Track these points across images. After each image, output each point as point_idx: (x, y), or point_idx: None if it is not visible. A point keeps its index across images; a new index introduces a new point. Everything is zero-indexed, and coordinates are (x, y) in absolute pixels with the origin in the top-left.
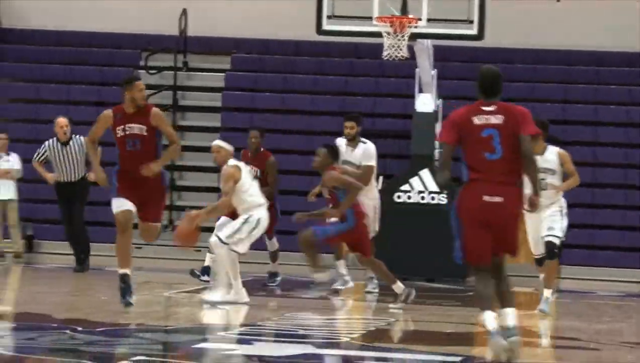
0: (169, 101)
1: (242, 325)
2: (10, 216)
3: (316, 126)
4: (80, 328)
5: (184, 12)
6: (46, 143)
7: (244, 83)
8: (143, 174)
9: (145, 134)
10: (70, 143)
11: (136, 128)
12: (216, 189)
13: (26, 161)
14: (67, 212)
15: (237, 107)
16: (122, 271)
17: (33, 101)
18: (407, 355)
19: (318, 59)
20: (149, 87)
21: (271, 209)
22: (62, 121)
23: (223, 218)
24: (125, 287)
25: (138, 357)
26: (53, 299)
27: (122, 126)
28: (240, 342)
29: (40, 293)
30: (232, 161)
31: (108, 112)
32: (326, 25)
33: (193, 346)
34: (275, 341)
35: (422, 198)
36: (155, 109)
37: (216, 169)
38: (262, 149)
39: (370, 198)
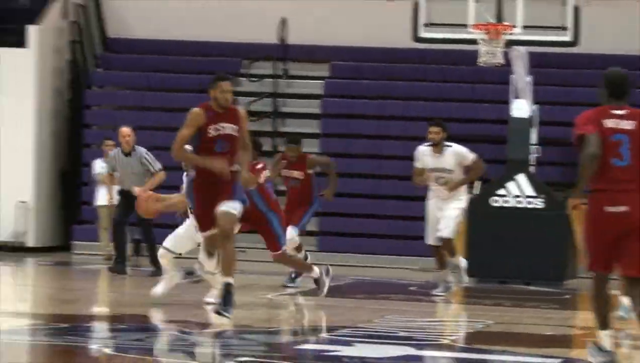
0: (269, 108)
1: (344, 327)
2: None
3: (413, 132)
4: (187, 330)
5: (284, 21)
6: (111, 152)
7: (343, 90)
8: (244, 185)
9: (236, 135)
10: (132, 153)
11: (228, 128)
12: None
13: None
14: (122, 214)
15: (335, 114)
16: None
17: (138, 109)
18: (506, 356)
19: (414, 66)
20: (249, 94)
21: (305, 206)
22: (124, 130)
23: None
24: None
25: (243, 358)
26: (160, 300)
27: (215, 126)
28: (342, 343)
29: (147, 295)
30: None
31: (199, 109)
32: (422, 33)
33: (296, 347)
34: (376, 342)
35: (519, 202)
36: (242, 110)
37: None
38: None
39: (458, 198)
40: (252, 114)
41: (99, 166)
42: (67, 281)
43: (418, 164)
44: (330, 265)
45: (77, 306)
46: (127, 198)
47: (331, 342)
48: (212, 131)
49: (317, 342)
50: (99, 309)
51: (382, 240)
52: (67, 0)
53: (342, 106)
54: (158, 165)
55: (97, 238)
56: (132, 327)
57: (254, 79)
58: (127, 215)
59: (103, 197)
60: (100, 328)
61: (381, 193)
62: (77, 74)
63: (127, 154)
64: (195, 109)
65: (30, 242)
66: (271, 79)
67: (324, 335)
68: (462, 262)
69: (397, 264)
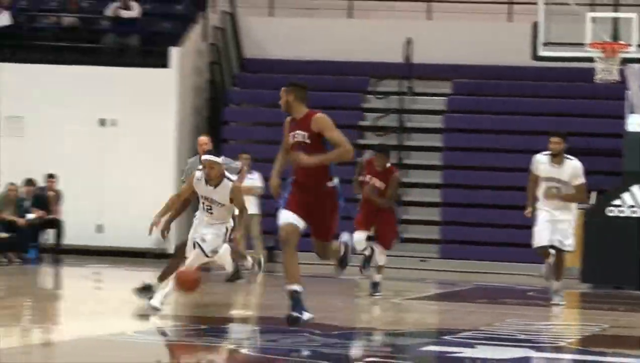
0: (395, 123)
1: (466, 330)
2: (253, 229)
3: (531, 145)
4: (317, 331)
5: (409, 41)
6: (189, 160)
7: (464, 106)
8: (298, 162)
9: (307, 141)
10: None
11: (300, 135)
12: (438, 204)
13: (267, 179)
14: None
15: (457, 129)
16: (289, 287)
17: (273, 125)
18: (622, 359)
19: (533, 83)
20: (376, 110)
21: (392, 223)
22: (202, 139)
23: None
24: (293, 303)
25: (370, 359)
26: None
27: (293, 133)
28: (464, 345)
29: (281, 299)
30: (230, 176)
31: (288, 118)
32: (542, 52)
33: (420, 348)
34: (496, 344)
35: (634, 211)
36: (316, 115)
37: (438, 185)
38: (387, 165)
39: (569, 209)
40: (378, 129)
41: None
42: (206, 285)
43: (534, 171)
44: (452, 272)
45: (216, 308)
46: None
47: (454, 343)
48: (291, 139)
49: (441, 344)
50: (237, 311)
51: (502, 247)
52: (206, 24)
53: (464, 121)
54: (237, 163)
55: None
56: (267, 328)
57: (380, 96)
58: None
59: (250, 206)
60: (237, 330)
61: (501, 203)
62: (216, 93)
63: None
64: (287, 118)
65: (172, 249)
66: (397, 96)
67: (448, 337)
68: (555, 285)
69: (516, 270)
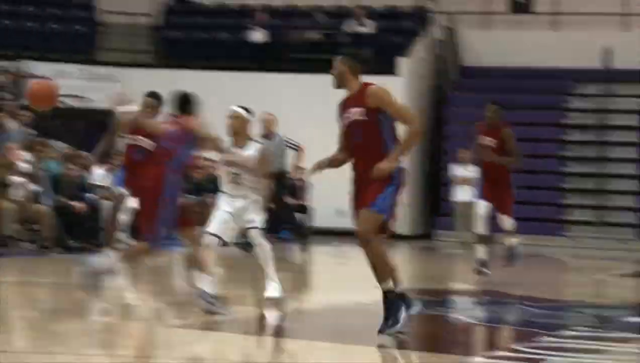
0: (594, 121)
1: None
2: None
3: None
4: (529, 303)
5: (607, 49)
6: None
7: None
8: (374, 177)
9: (365, 118)
10: (270, 136)
11: (355, 113)
12: (635, 193)
13: None
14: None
15: None
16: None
17: None
18: None
19: None
20: (577, 110)
21: (507, 187)
22: (269, 116)
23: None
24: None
25: (577, 327)
26: (507, 279)
27: (344, 114)
28: None
29: (493, 276)
30: (259, 139)
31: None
32: None
33: (621, 319)
34: None
35: None
36: (372, 87)
37: (634, 176)
38: (498, 122)
39: None
40: (580, 126)
41: (456, 170)
42: (430, 263)
43: None
44: None
45: (439, 282)
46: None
47: None
48: (344, 121)
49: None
50: (456, 285)
51: None
52: (430, 37)
53: None
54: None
55: (454, 228)
56: (486, 300)
57: (581, 97)
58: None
59: (460, 194)
60: (459, 301)
61: None
62: (438, 97)
63: (265, 137)
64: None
65: (402, 231)
66: (596, 97)
67: None
68: None
69: None
